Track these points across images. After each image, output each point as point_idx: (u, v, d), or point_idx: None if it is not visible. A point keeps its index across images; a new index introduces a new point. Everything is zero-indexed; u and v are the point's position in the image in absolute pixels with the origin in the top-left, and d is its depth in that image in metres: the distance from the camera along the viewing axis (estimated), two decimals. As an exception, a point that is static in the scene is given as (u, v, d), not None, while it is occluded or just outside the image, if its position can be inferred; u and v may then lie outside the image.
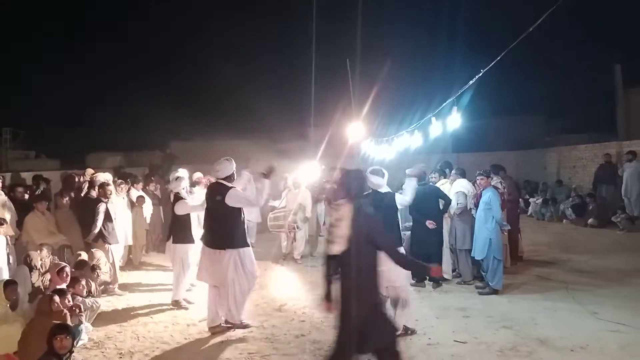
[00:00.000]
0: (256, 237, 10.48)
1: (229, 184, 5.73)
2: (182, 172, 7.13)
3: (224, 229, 5.67)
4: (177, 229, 6.85)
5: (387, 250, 3.62)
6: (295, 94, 18.47)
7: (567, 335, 5.17)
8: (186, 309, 6.62)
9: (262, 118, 18.30)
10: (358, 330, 3.42)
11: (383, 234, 3.61)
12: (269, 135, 18.17)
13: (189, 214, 6.81)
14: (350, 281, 3.49)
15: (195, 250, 6.79)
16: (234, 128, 18.65)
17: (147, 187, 10.53)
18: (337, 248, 3.54)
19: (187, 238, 6.82)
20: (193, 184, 8.13)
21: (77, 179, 9.10)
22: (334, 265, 3.68)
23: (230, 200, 5.60)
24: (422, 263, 3.93)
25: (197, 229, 6.89)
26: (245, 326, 5.77)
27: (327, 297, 3.72)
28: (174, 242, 6.83)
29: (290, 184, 9.66)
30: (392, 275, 5.31)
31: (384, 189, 5.78)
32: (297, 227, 9.32)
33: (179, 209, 6.72)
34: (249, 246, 5.83)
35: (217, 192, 5.72)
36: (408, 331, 5.38)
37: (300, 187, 9.48)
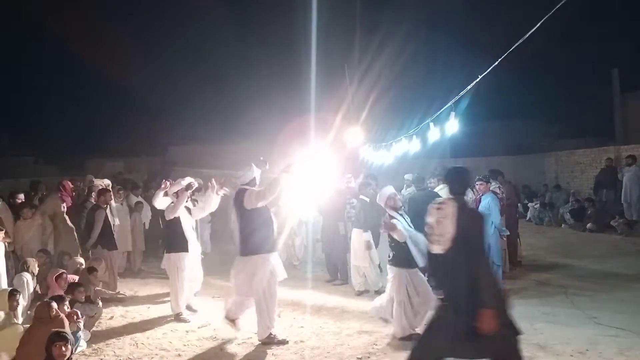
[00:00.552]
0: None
1: (252, 189, 5.60)
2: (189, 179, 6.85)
3: (255, 233, 5.50)
4: (170, 237, 6.66)
5: (480, 256, 3.45)
6: (293, 98, 18.52)
7: (566, 340, 5.16)
8: (188, 321, 6.33)
9: (260, 123, 18.32)
10: (457, 335, 3.33)
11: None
12: (267, 140, 18.18)
13: (180, 221, 6.54)
14: (450, 282, 3.44)
15: (190, 259, 6.59)
16: (231, 133, 18.66)
17: (146, 193, 10.54)
18: (438, 247, 3.50)
19: (180, 246, 6.54)
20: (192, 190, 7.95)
21: (74, 186, 9.10)
22: (432, 265, 3.67)
23: (246, 202, 5.47)
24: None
25: (193, 237, 6.71)
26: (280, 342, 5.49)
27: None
28: (167, 251, 6.64)
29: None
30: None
31: None
32: (295, 233, 9.20)
33: (168, 213, 6.51)
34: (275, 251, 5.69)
35: (241, 198, 5.57)
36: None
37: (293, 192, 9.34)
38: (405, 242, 5.33)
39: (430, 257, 3.66)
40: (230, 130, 18.71)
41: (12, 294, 5.33)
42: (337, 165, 9.07)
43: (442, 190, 8.14)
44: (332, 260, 8.33)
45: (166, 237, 6.80)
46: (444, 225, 3.49)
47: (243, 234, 5.53)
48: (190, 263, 6.62)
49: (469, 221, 3.52)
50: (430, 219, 3.64)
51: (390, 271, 5.59)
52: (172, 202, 6.57)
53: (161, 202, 6.62)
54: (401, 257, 5.42)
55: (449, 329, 3.39)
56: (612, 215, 12.01)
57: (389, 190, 5.74)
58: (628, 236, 11.04)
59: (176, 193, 6.63)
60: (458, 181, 3.79)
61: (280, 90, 18.97)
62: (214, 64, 19.57)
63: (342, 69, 14.22)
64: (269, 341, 5.40)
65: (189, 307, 6.67)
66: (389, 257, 5.64)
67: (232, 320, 5.71)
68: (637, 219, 11.92)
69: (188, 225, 6.68)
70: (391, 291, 5.57)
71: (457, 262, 3.41)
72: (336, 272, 8.25)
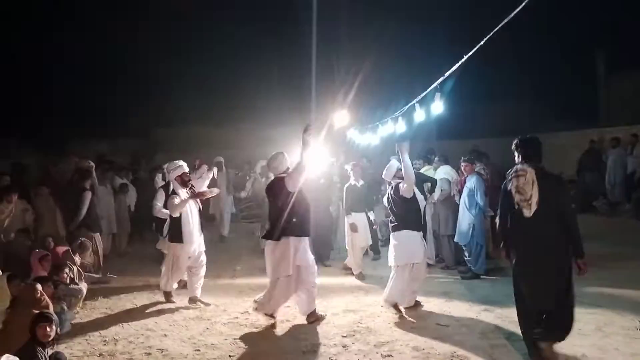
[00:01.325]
0: (229, 228, 10.46)
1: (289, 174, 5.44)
2: (182, 163, 6.46)
3: (307, 214, 5.48)
4: (171, 226, 6.29)
5: (569, 216, 3.95)
6: (280, 81, 18.38)
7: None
8: (174, 302, 6.29)
9: (245, 105, 18.17)
10: (541, 286, 3.91)
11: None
12: (252, 122, 18.05)
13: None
14: (540, 242, 3.90)
15: (188, 250, 6.24)
16: (217, 115, 18.49)
17: (135, 175, 10.51)
18: (527, 211, 3.88)
19: (176, 237, 6.20)
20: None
21: (57, 167, 8.99)
22: (518, 228, 4.01)
23: (291, 186, 5.32)
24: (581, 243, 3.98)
25: (193, 226, 6.26)
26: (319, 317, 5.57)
27: (507, 252, 4.30)
28: (170, 240, 6.33)
29: (258, 172, 9.07)
30: (410, 252, 5.59)
31: None
32: None
33: (173, 210, 6.08)
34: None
35: (281, 187, 5.40)
36: (419, 306, 5.73)
37: (270, 176, 9.07)
38: (415, 205, 5.69)
39: (517, 220, 4.01)
40: (215, 113, 18.54)
41: (10, 279, 5.23)
42: (325, 148, 8.96)
43: (428, 171, 8.22)
44: (318, 242, 8.33)
45: (168, 225, 6.45)
46: (527, 191, 3.91)
47: (291, 217, 5.34)
48: (188, 252, 6.27)
49: (557, 185, 4.07)
50: (511, 186, 4.01)
51: (394, 238, 5.73)
52: (177, 198, 6.11)
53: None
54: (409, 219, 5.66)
55: (539, 282, 3.94)
56: (594, 196, 12.18)
57: (396, 163, 5.98)
58: (610, 217, 11.23)
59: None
60: (533, 150, 4.19)
61: (267, 74, 18.81)
62: (199, 46, 19.27)
63: (330, 51, 14.15)
64: (315, 317, 5.49)
65: (194, 300, 6.28)
66: (391, 221, 5.82)
67: (271, 315, 5.56)
68: (620, 201, 12.12)
69: (189, 215, 6.24)
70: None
71: (546, 223, 3.86)
72: (320, 254, 8.27)
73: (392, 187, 5.89)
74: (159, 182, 8.94)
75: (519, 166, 4.10)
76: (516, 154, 4.27)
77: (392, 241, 5.75)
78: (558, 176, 4.42)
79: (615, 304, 5.58)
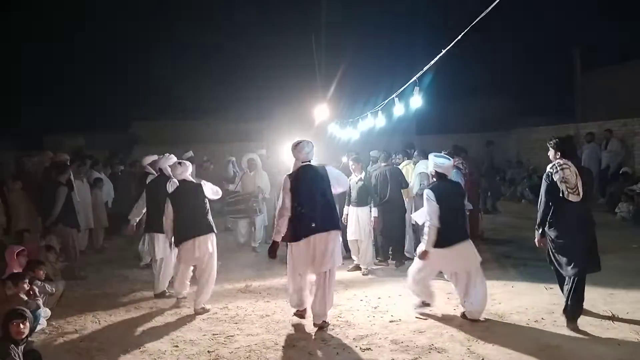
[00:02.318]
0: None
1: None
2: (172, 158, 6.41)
3: (333, 208, 5.21)
4: (158, 218, 6.08)
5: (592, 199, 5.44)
6: (259, 73, 18.26)
7: (523, 310, 5.37)
8: (169, 297, 6.17)
9: (224, 99, 18.05)
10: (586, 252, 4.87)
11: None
12: (230, 116, 17.92)
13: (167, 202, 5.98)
14: (581, 222, 4.87)
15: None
16: (196, 109, 18.33)
17: (113, 170, 10.37)
18: (575, 197, 4.69)
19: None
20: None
21: (31, 162, 8.79)
22: (564, 212, 4.79)
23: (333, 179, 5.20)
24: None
25: None
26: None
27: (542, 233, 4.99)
28: (157, 230, 6.19)
29: (245, 166, 8.96)
30: (463, 260, 5.21)
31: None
32: (260, 212, 8.88)
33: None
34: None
35: (316, 173, 5.15)
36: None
37: (257, 169, 8.91)
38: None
39: (562, 205, 4.79)
40: (195, 107, 18.37)
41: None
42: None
43: (407, 166, 8.27)
44: None
45: (154, 217, 6.29)
46: (571, 181, 4.70)
47: (323, 209, 5.08)
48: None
49: (588, 176, 5.07)
50: (557, 178, 4.77)
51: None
52: None
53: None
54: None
55: (582, 252, 4.87)
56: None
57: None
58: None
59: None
60: (570, 147, 5.08)
61: (248, 68, 18.68)
62: (178, 37, 19.04)
63: (310, 46, 14.10)
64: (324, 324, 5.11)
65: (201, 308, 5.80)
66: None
67: (300, 313, 5.36)
68: (594, 195, 12.36)
69: None
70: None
71: (584, 205, 4.81)
72: None
73: None
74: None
75: (561, 161, 4.86)
76: (554, 151, 5.00)
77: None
78: (588, 169, 5.58)
79: (588, 296, 5.68)
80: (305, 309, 5.35)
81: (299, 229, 5.08)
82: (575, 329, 4.76)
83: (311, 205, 5.07)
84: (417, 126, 18.02)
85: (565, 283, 4.93)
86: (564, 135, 5.59)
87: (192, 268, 6.02)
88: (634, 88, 14.83)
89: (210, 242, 5.81)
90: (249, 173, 8.94)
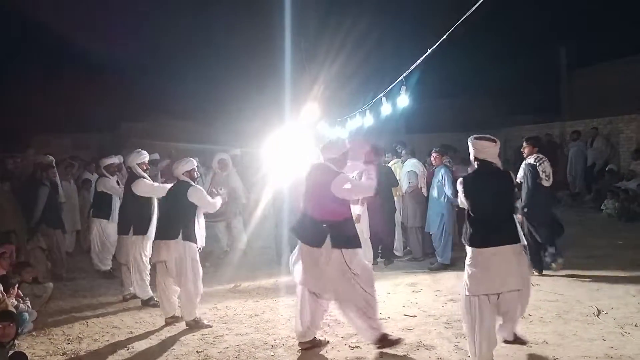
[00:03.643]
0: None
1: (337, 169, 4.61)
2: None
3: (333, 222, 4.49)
4: (138, 219, 6.01)
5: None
6: (251, 73, 18.19)
7: (510, 306, 5.41)
8: (157, 306, 5.78)
9: (216, 100, 17.97)
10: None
11: None
12: (223, 117, 17.85)
13: (150, 202, 6.01)
14: (547, 200, 6.71)
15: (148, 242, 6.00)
16: (187, 109, 18.24)
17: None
18: (548, 183, 6.38)
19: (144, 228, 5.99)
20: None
21: (14, 162, 8.70)
22: None
23: (336, 187, 4.43)
24: None
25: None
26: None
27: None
28: (135, 232, 6.02)
29: (216, 167, 8.43)
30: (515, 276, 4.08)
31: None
32: (239, 213, 8.51)
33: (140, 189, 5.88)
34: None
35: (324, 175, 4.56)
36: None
37: (229, 170, 8.45)
38: None
39: (539, 188, 6.35)
40: (185, 108, 18.27)
41: None
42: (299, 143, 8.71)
43: (396, 164, 8.32)
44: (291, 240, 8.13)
45: (133, 218, 6.13)
46: (547, 171, 6.41)
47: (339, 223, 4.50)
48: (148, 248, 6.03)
49: (553, 167, 6.67)
50: (539, 168, 6.38)
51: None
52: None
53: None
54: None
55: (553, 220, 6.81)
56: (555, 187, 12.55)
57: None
58: (571, 207, 11.57)
59: None
60: (541, 144, 6.41)
61: (235, 68, 18.61)
62: (167, 40, 18.93)
63: (298, 45, 14.08)
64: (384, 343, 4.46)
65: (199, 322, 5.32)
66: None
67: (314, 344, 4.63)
68: (580, 192, 12.50)
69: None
70: None
71: (550, 189, 6.63)
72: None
73: None
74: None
75: (540, 155, 6.48)
76: (531, 147, 6.55)
77: None
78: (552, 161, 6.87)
79: (574, 291, 5.78)
80: None
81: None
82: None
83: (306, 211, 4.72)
84: (405, 125, 18.09)
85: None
86: (535, 134, 6.22)
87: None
88: (620, 86, 15.03)
89: (176, 248, 5.31)
90: (221, 174, 8.38)
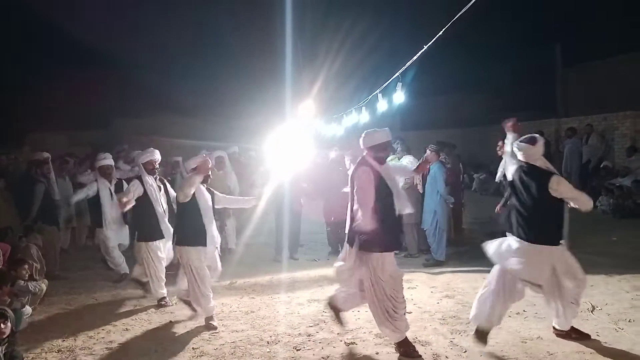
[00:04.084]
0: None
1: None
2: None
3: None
4: (143, 224, 5.94)
5: None
6: (247, 70, 18.16)
7: (505, 303, 5.43)
8: (166, 306, 5.80)
9: (213, 96, 17.93)
10: None
11: None
12: (220, 113, 17.81)
13: (152, 205, 5.88)
14: None
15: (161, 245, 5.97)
16: (183, 105, 18.18)
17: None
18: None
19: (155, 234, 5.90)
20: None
21: (8, 159, 8.66)
22: None
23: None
24: None
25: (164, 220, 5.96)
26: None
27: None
28: (139, 239, 5.95)
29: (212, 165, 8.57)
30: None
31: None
32: (231, 214, 8.39)
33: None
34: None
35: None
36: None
37: (225, 168, 8.43)
38: None
39: None
40: (182, 104, 18.20)
41: None
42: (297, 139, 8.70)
43: (391, 161, 8.31)
44: (290, 236, 8.17)
45: (140, 224, 6.08)
46: None
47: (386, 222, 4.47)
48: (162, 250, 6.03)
49: None
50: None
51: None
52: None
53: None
54: None
55: None
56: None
57: None
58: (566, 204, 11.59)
59: None
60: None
61: (232, 65, 18.56)
62: (163, 36, 18.85)
63: (296, 45, 14.05)
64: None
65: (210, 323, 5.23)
66: None
67: (335, 310, 4.73)
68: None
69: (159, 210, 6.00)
70: None
71: None
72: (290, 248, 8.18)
73: None
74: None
75: None
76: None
77: None
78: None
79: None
80: None
81: None
82: None
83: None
84: (401, 122, 18.11)
85: None
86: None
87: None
88: (614, 84, 15.10)
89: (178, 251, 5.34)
90: (217, 172, 8.20)
